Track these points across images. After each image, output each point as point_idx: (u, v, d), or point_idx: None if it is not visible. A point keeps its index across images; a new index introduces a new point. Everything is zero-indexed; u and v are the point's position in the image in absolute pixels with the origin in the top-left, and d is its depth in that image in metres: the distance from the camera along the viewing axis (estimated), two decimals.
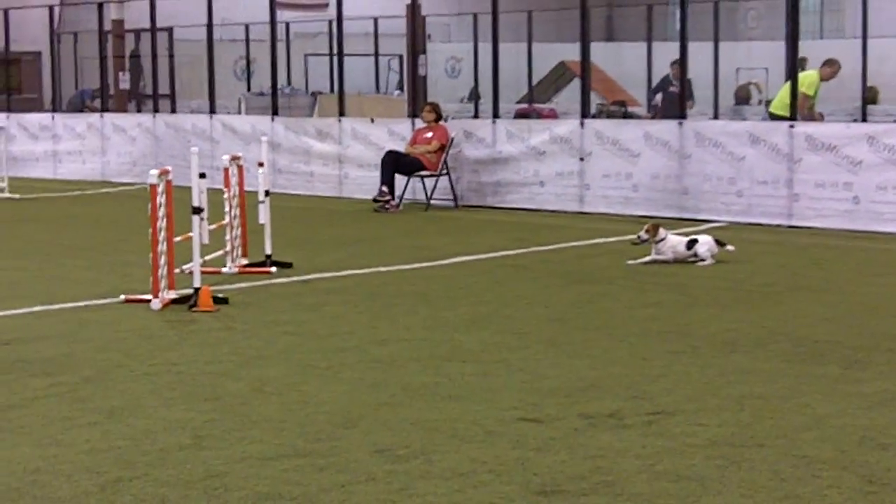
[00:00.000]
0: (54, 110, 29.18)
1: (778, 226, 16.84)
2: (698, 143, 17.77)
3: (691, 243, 13.58)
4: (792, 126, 17.04)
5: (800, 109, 18.00)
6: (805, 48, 20.60)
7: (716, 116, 23.94)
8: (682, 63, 18.51)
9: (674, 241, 13.65)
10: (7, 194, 22.56)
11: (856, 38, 25.45)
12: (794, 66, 17.70)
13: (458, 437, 6.98)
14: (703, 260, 13.43)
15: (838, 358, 8.93)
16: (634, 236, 13.85)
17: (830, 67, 19.26)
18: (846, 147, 16.41)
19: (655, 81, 26.32)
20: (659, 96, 24.89)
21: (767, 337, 9.68)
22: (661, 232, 13.66)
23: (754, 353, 9.10)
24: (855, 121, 20.01)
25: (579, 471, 6.35)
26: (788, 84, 18.04)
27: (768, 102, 21.11)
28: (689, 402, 7.70)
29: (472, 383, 8.27)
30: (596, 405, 7.65)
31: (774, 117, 18.48)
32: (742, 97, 27.11)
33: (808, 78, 18.55)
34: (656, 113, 23.93)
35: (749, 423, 7.23)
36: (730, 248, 13.68)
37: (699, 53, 23.48)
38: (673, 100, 23.21)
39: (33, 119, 28.54)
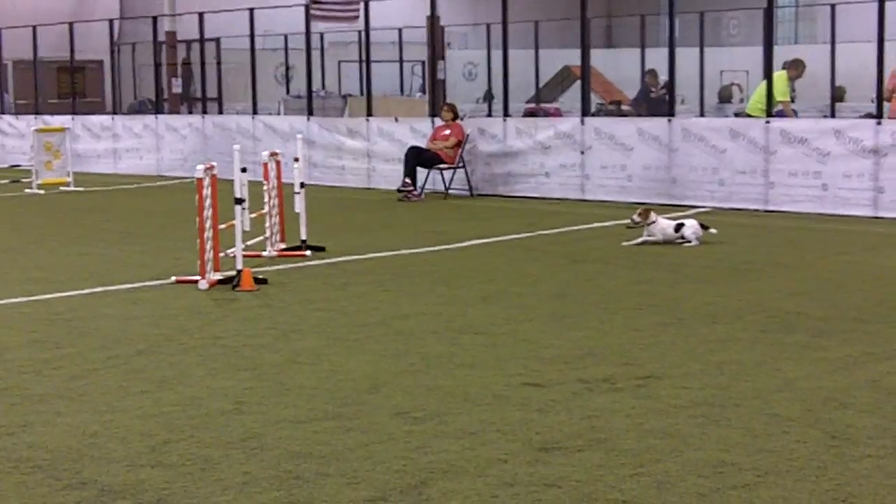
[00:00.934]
0: (115, 112, 29.19)
1: (755, 210, 16.82)
2: (685, 137, 17.74)
3: (679, 227, 13.57)
4: (768, 122, 17.03)
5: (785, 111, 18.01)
6: (781, 53, 20.57)
7: (701, 114, 23.82)
8: (670, 66, 18.44)
9: (663, 224, 13.63)
10: (72, 188, 22.61)
11: (826, 43, 25.39)
12: (769, 68, 17.59)
13: (469, 400, 6.99)
14: (689, 242, 13.40)
15: (807, 327, 8.91)
16: (629, 220, 13.85)
17: (796, 69, 19.16)
18: (816, 140, 16.37)
19: None
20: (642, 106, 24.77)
21: (745, 309, 9.67)
22: (652, 216, 13.66)
23: (733, 324, 9.09)
24: (825, 117, 19.96)
25: (576, 429, 6.35)
26: (762, 87, 17.97)
27: (737, 113, 20.92)
28: (675, 368, 7.70)
29: (483, 353, 8.27)
30: (592, 371, 7.65)
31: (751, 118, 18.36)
32: (725, 97, 27.08)
33: (779, 83, 18.35)
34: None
35: (727, 385, 7.22)
36: (713, 231, 13.66)
37: (687, 58, 23.41)
38: (655, 104, 23.20)
39: (96, 120, 28.55)
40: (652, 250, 13.19)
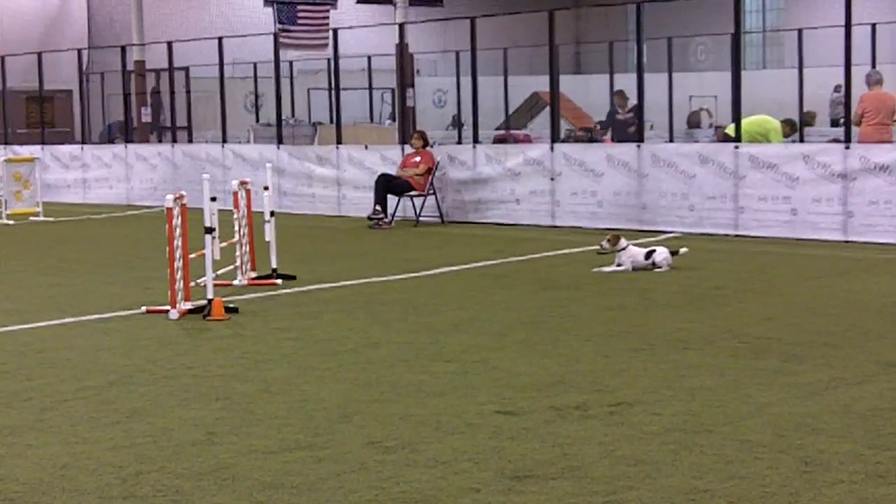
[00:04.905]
0: (84, 142, 29.10)
1: (725, 235, 16.88)
2: (654, 163, 17.80)
3: (649, 254, 13.61)
4: (737, 147, 17.10)
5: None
6: (749, 77, 20.65)
7: (670, 139, 23.95)
8: (639, 92, 18.52)
9: (633, 252, 13.65)
10: (42, 218, 22.53)
11: (794, 67, 25.55)
12: (737, 94, 17.61)
13: (441, 429, 6.98)
14: (660, 268, 13.44)
15: (778, 353, 8.94)
16: (598, 246, 13.88)
17: (791, 128, 19.24)
18: (785, 165, 16.46)
19: None
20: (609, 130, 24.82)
21: (716, 335, 9.69)
22: (622, 242, 13.68)
23: (704, 350, 9.11)
24: (793, 142, 20.04)
25: (549, 457, 6.35)
26: (754, 122, 18.00)
27: (716, 127, 20.92)
28: (647, 394, 7.71)
29: (454, 381, 8.26)
30: (564, 398, 7.65)
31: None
32: (694, 122, 27.18)
33: (774, 136, 18.26)
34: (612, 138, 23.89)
35: (699, 412, 7.23)
36: (684, 250, 13.75)
37: (655, 84, 23.52)
38: (622, 125, 23.27)
39: (65, 150, 28.46)
40: (622, 276, 13.22)
